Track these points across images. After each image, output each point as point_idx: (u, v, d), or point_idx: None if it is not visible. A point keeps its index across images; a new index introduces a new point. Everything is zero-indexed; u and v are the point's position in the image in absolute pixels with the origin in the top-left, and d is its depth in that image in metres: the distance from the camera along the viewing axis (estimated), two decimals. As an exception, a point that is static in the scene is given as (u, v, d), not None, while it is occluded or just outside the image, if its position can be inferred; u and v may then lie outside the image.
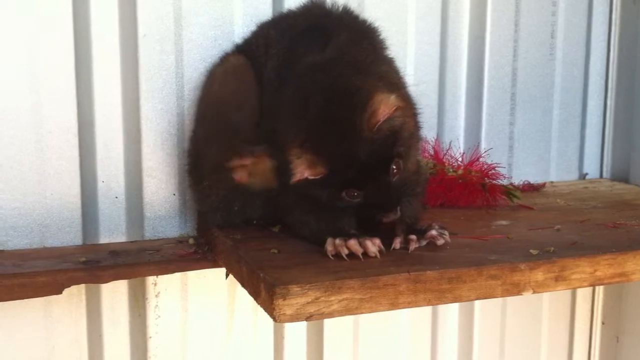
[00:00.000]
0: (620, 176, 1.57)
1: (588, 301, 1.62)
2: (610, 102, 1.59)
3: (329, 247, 0.97)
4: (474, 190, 1.28)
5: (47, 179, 1.22)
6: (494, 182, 1.29)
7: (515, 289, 0.92)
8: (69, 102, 1.21)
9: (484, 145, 1.48)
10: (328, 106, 0.96)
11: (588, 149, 1.60)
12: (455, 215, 1.22)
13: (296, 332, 1.40)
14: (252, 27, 1.28)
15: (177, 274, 1.26)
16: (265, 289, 0.87)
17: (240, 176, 1.08)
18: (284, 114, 1.01)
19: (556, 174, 1.56)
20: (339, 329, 1.42)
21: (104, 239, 1.27)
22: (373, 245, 0.96)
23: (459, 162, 1.31)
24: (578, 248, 1.00)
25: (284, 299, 0.83)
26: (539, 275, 0.93)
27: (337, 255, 0.96)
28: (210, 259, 1.17)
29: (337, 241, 0.96)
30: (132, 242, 1.27)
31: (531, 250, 0.98)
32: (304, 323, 1.39)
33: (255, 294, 0.91)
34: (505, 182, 1.35)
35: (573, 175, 1.58)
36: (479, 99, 1.48)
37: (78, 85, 1.22)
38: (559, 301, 1.59)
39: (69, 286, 1.11)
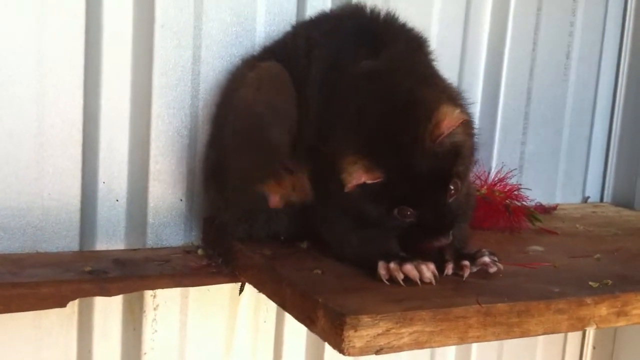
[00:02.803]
0: (622, 201, 1.56)
1: (580, 325, 1.60)
2: (615, 126, 1.57)
3: (383, 271, 0.90)
4: (497, 211, 1.23)
5: (46, 177, 1.10)
6: (518, 203, 1.25)
7: (580, 324, 0.88)
8: (75, 93, 1.10)
9: (494, 165, 1.43)
10: (388, 115, 0.90)
11: (591, 172, 1.58)
12: (483, 238, 1.16)
13: (295, 352, 1.32)
14: (275, 26, 1.21)
15: (178, 286, 1.17)
16: (327, 316, 0.79)
17: (275, 201, 1.00)
18: (337, 123, 0.94)
19: (562, 196, 1.53)
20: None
21: (101, 245, 1.16)
22: (428, 271, 0.90)
23: (482, 181, 1.26)
24: (634, 282, 0.96)
25: (355, 330, 0.76)
26: (603, 310, 0.89)
27: (391, 280, 0.89)
28: (227, 273, 1.08)
29: (392, 265, 0.89)
30: (134, 250, 1.17)
31: (590, 283, 0.93)
32: (303, 347, 1.32)
33: (308, 320, 0.83)
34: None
35: (577, 198, 1.56)
36: (493, 116, 1.44)
37: (86, 75, 1.11)
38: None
39: (75, 299, 1.01)
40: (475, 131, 0.99)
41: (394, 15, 1.07)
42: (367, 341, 0.76)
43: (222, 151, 1.08)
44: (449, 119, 0.87)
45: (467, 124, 0.93)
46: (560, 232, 1.26)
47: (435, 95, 0.92)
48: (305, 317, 0.84)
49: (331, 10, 1.15)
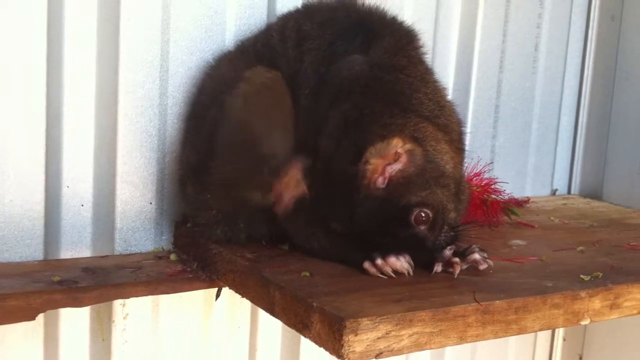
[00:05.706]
0: (589, 192, 1.56)
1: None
2: (582, 119, 1.57)
3: (372, 269, 0.88)
4: (476, 206, 1.21)
5: (7, 182, 1.04)
6: (495, 197, 1.24)
7: (575, 319, 0.87)
8: (37, 91, 1.04)
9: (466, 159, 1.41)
10: (341, 144, 0.92)
11: (558, 165, 1.58)
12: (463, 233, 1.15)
13: (270, 358, 1.28)
14: (246, 19, 1.17)
15: (149, 293, 1.11)
16: (323, 321, 0.75)
17: (281, 206, 0.95)
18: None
19: (531, 189, 1.53)
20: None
21: (66, 252, 1.10)
22: (405, 261, 0.89)
23: (459, 176, 1.24)
24: (622, 273, 0.96)
25: (356, 335, 0.72)
26: (597, 303, 0.88)
27: (382, 274, 0.88)
28: (205, 278, 1.04)
29: (379, 261, 0.88)
30: (102, 257, 1.11)
31: (582, 276, 0.92)
32: (277, 353, 1.28)
33: (301, 325, 0.79)
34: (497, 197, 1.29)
35: (546, 191, 1.56)
36: (464, 110, 1.42)
37: (48, 72, 1.04)
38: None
39: (45, 311, 0.94)
40: (458, 136, 0.99)
41: (383, 9, 1.05)
42: (367, 345, 0.73)
43: (206, 153, 1.02)
44: (374, 165, 0.88)
45: (429, 140, 0.92)
46: (538, 225, 1.25)
47: (382, 128, 0.90)
48: (298, 322, 0.80)
49: (319, 2, 1.10)
